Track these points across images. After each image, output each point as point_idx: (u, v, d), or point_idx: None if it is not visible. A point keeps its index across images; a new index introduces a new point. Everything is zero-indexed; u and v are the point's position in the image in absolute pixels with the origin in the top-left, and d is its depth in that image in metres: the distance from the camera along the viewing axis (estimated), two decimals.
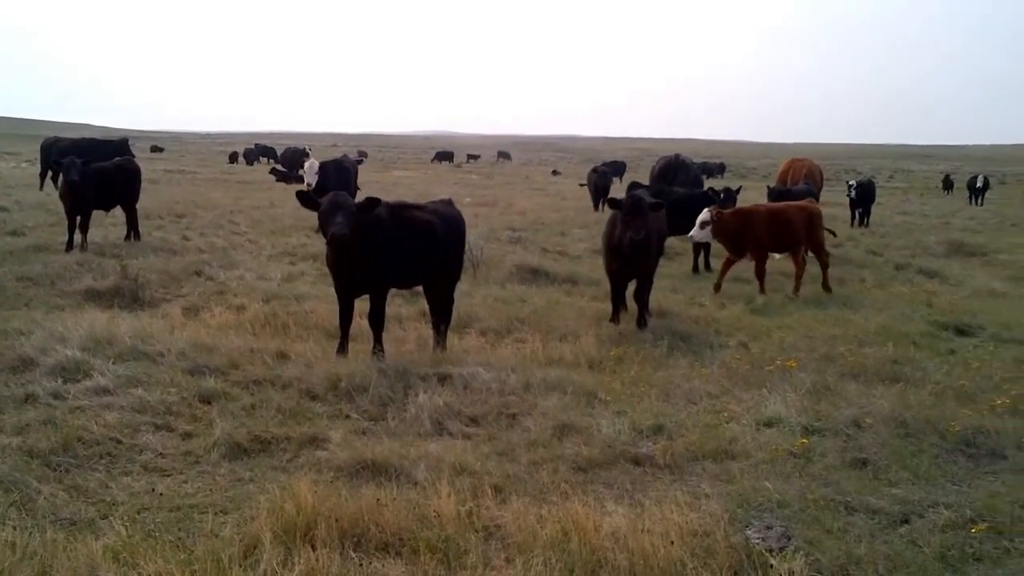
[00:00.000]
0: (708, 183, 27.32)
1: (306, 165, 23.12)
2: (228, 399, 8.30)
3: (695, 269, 18.54)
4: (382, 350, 9.82)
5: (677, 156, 27.81)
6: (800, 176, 26.31)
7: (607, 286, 13.15)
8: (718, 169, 70.66)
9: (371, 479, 6.56)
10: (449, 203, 11.29)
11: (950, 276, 19.12)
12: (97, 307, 11.83)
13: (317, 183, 21.71)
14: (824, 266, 16.56)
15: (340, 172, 23.15)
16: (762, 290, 15.67)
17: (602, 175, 32.77)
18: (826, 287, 16.35)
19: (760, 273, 15.89)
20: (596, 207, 30.18)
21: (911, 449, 7.59)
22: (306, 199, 9.87)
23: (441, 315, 10.73)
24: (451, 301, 10.93)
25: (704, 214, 15.25)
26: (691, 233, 15.44)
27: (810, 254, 16.71)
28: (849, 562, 5.46)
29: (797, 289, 15.96)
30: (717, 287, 15.82)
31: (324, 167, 23.15)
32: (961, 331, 13.11)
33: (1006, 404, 8.93)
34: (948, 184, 60.32)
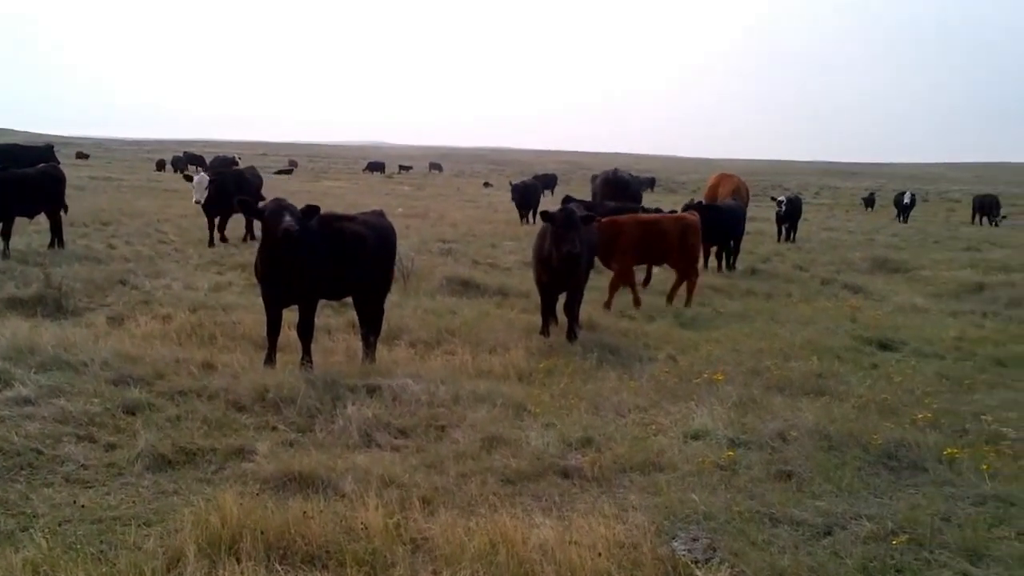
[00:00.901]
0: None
1: (195, 180, 21.12)
2: (153, 410, 8.19)
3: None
4: (310, 361, 9.75)
5: (616, 171, 28.03)
6: (728, 191, 26.60)
7: (537, 298, 13.19)
8: (649, 183, 71.16)
9: (298, 491, 6.51)
10: (380, 214, 11.26)
11: (874, 291, 19.41)
12: (19, 316, 11.63)
13: (213, 196, 20.48)
14: (692, 281, 16.34)
15: (240, 185, 21.43)
16: (608, 304, 15.24)
17: (520, 188, 32.34)
18: (670, 299, 16.18)
19: (615, 286, 15.58)
20: (523, 220, 30.17)
21: (835, 462, 7.70)
22: (248, 207, 9.75)
23: (371, 326, 10.68)
24: (381, 312, 10.88)
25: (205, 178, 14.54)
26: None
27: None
28: (773, 574, 5.53)
29: (672, 299, 16.10)
30: (636, 302, 15.65)
31: (221, 180, 21.51)
32: (884, 346, 13.34)
33: (927, 418, 9.09)
34: (869, 201, 61.49)
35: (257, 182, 23.30)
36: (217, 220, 21.26)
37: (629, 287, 15.87)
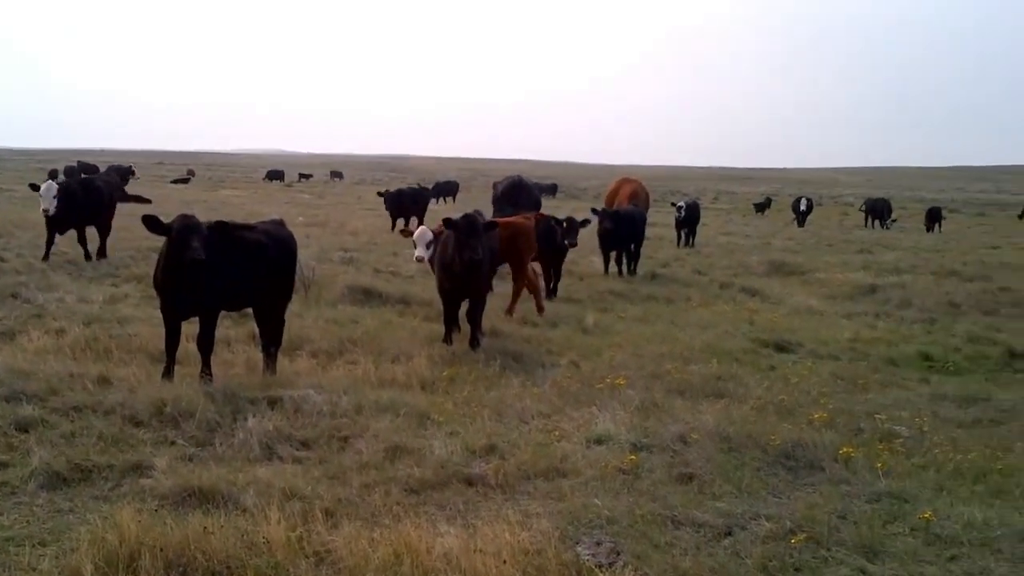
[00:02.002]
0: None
1: (42, 188, 18.80)
2: (46, 426, 7.96)
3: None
4: (210, 374, 9.59)
5: (520, 178, 28.08)
6: (626, 197, 26.81)
7: (440, 306, 13.16)
8: (551, 190, 71.57)
9: (198, 506, 6.40)
10: (280, 223, 11.14)
11: (771, 295, 19.74)
12: None
13: (59, 208, 18.26)
14: (517, 292, 15.34)
15: (89, 194, 19.45)
16: (511, 310, 15.06)
17: (394, 197, 31.62)
18: (509, 311, 15.20)
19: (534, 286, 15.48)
20: (393, 227, 29.31)
21: (734, 463, 7.82)
22: (154, 224, 9.47)
23: (271, 337, 10.55)
24: (282, 322, 10.76)
25: (428, 233, 13.97)
26: (418, 253, 13.96)
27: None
28: (676, 575, 5.59)
29: (511, 310, 15.25)
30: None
31: (69, 188, 19.28)
32: (781, 348, 13.61)
33: (823, 418, 9.30)
34: (760, 207, 62.77)
35: (110, 190, 20.92)
36: (75, 233, 19.22)
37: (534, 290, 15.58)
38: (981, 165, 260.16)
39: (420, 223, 26.79)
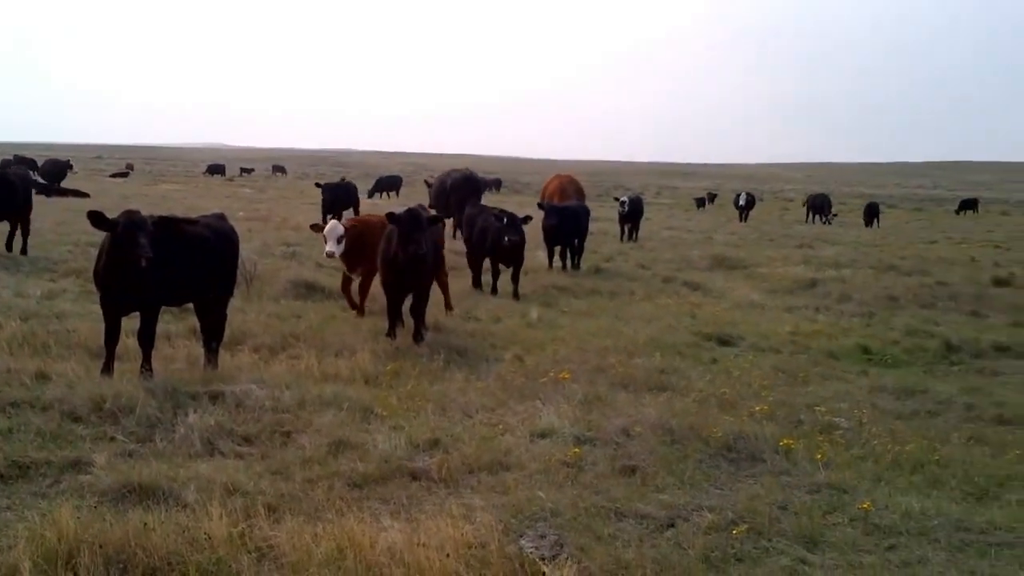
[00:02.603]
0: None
1: None
2: None
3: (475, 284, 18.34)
4: (150, 369, 9.48)
5: (469, 171, 28.09)
6: (554, 192, 26.85)
7: (383, 301, 13.10)
8: (495, 184, 71.50)
9: (138, 503, 6.31)
10: (221, 217, 11.04)
11: (713, 289, 19.89)
12: None
13: None
14: (444, 286, 15.00)
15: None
16: (361, 308, 14.31)
17: (331, 189, 31.08)
18: (448, 306, 14.90)
19: (365, 288, 14.49)
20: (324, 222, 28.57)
21: (677, 455, 7.88)
22: (99, 220, 9.33)
23: (213, 332, 10.45)
24: (223, 317, 10.66)
25: (339, 228, 13.80)
26: (329, 248, 13.71)
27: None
28: (619, 567, 5.62)
29: (448, 304, 14.95)
30: (354, 305, 14.45)
31: None
32: (723, 341, 13.74)
33: (764, 410, 9.40)
34: (701, 202, 63.37)
35: (24, 184, 19.43)
36: None
37: (358, 294, 14.54)
38: (918, 161, 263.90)
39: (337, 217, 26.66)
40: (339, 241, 13.56)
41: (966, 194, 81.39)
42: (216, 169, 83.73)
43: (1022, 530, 6.59)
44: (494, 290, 17.24)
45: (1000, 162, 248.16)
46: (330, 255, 13.86)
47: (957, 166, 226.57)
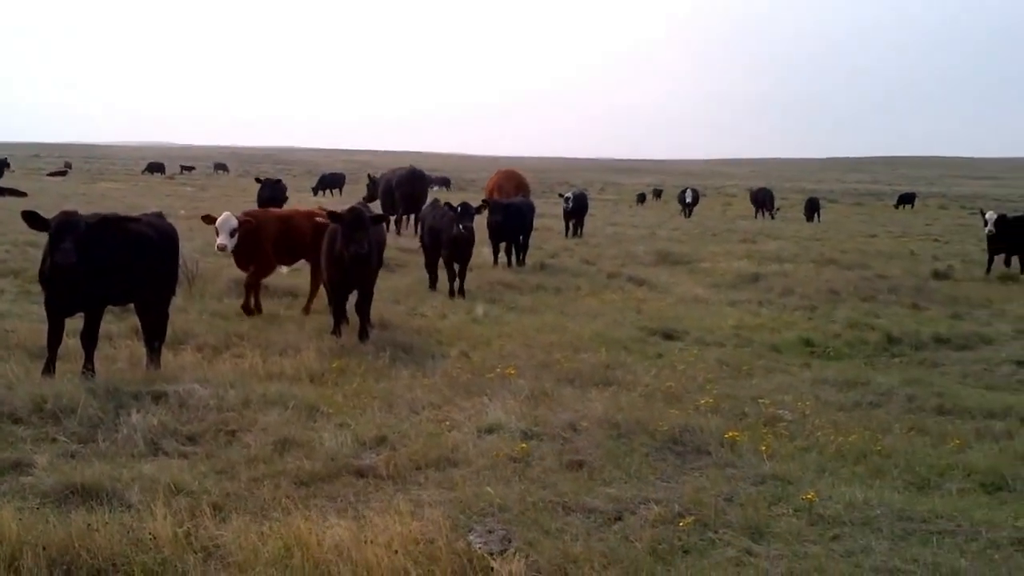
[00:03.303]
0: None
1: None
2: None
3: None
4: (92, 369, 9.37)
5: (413, 168, 28.01)
6: (499, 186, 26.86)
7: (328, 298, 13.04)
8: (443, 183, 71.39)
9: (81, 504, 6.24)
10: (159, 215, 10.92)
11: (658, 284, 19.94)
12: None
13: None
14: (315, 288, 14.56)
15: None
16: (250, 307, 13.75)
17: (266, 185, 30.61)
18: (306, 310, 14.39)
19: (255, 286, 14.03)
20: None
21: (623, 449, 7.93)
22: (34, 220, 9.18)
23: (155, 331, 10.32)
24: (165, 316, 10.54)
25: (231, 220, 13.18)
26: (220, 241, 13.16)
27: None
28: (567, 561, 5.64)
29: (308, 308, 14.38)
30: (249, 308, 13.75)
31: None
32: (668, 336, 13.80)
33: (709, 403, 9.48)
34: (641, 197, 63.82)
35: None
36: None
37: (248, 289, 13.98)
38: (857, 156, 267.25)
39: None
40: (232, 235, 13.07)
41: (905, 189, 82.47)
42: (155, 167, 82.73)
43: (963, 519, 6.69)
44: (452, 292, 16.82)
45: (938, 156, 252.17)
46: (221, 248, 13.31)
47: (896, 161, 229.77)
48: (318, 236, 13.82)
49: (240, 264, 13.98)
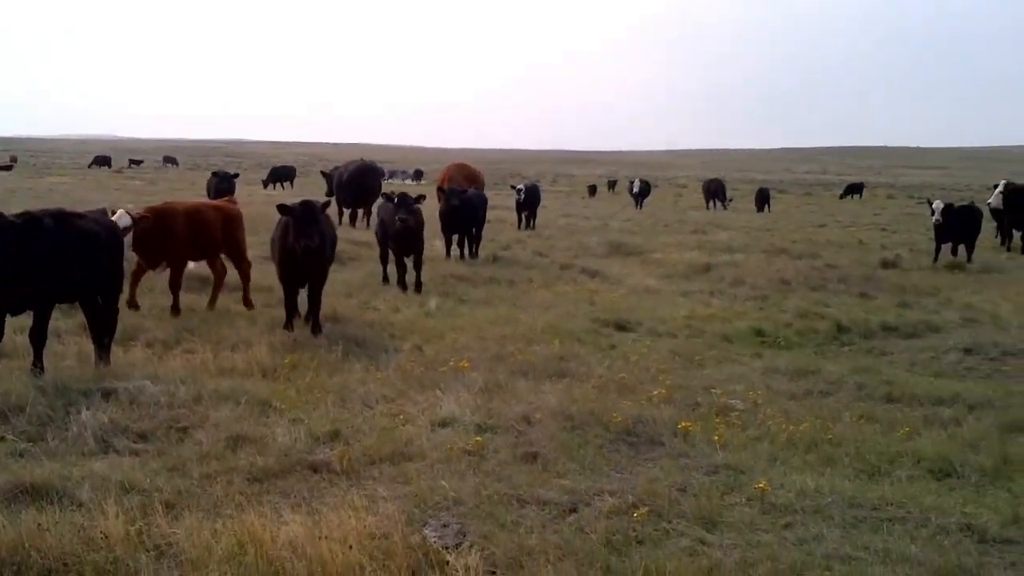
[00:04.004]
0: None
1: None
2: None
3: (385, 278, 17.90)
4: (41, 367, 9.24)
5: (364, 161, 27.94)
6: (450, 178, 26.84)
7: (280, 292, 12.95)
8: (416, 175, 71.32)
9: (31, 503, 6.17)
10: (103, 212, 10.78)
11: (610, 275, 20.00)
12: None
13: None
14: (245, 278, 14.19)
15: None
16: (176, 308, 13.20)
17: (223, 179, 30.17)
18: (247, 303, 14.04)
19: (176, 284, 13.36)
20: None
21: (577, 441, 7.96)
22: None
23: (104, 328, 10.19)
24: (115, 312, 10.42)
25: (125, 217, 12.15)
26: None
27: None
28: (522, 553, 5.66)
29: (213, 303, 13.87)
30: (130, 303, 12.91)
31: None
32: (621, 327, 13.84)
33: (662, 394, 9.53)
34: (592, 189, 64.03)
35: None
36: None
37: (172, 288, 13.38)
38: (806, 147, 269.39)
39: None
40: (124, 232, 11.83)
41: (854, 179, 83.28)
42: (102, 161, 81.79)
43: (912, 505, 6.78)
44: (401, 283, 16.69)
45: (886, 147, 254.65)
46: None
47: (845, 151, 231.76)
48: (230, 228, 13.81)
49: (147, 262, 13.28)
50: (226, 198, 15.80)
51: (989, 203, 26.89)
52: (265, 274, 15.58)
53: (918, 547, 6.00)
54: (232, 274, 14.42)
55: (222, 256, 14.30)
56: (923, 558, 5.83)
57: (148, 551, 5.52)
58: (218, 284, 14.23)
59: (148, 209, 13.14)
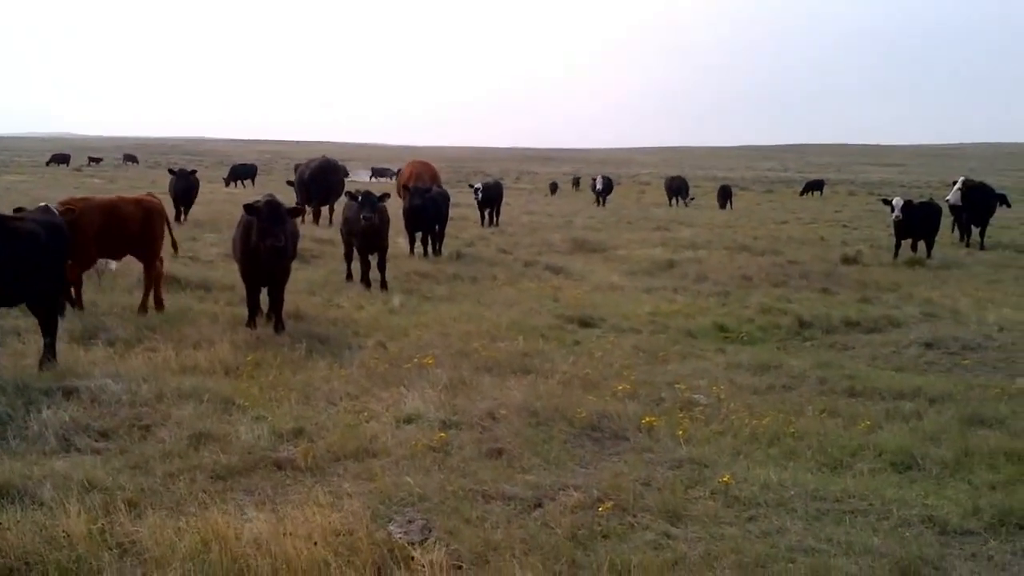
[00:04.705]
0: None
1: None
2: None
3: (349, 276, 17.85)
4: None
5: (326, 158, 27.82)
6: (410, 176, 26.82)
7: (243, 291, 12.88)
8: (394, 174, 71.28)
9: None
10: (47, 210, 10.61)
11: (574, 272, 20.07)
12: None
13: None
14: (154, 279, 13.41)
15: None
16: (79, 304, 12.77)
17: (180, 177, 29.70)
18: (143, 309, 13.09)
19: (77, 282, 12.90)
20: (177, 216, 27.23)
21: (542, 436, 7.98)
22: None
23: (47, 327, 9.92)
24: (55, 311, 10.12)
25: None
26: None
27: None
28: (487, 549, 5.67)
29: (144, 306, 13.15)
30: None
31: None
32: (585, 323, 13.88)
33: (626, 389, 9.57)
34: (554, 187, 64.23)
35: None
36: None
37: (75, 286, 12.94)
38: (768, 144, 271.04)
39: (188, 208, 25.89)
40: None
41: (814, 176, 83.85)
42: (60, 159, 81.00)
43: (874, 498, 6.84)
44: (364, 280, 16.65)
45: (847, 144, 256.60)
46: None
47: (805, 149, 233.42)
48: (148, 225, 13.40)
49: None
50: (147, 193, 14.94)
51: (948, 200, 27.11)
52: (226, 272, 15.53)
53: (880, 539, 6.07)
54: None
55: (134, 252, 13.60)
56: (885, 550, 5.89)
57: (111, 549, 5.48)
58: (149, 285, 13.42)
59: (63, 203, 12.40)
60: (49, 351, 9.85)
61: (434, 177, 26.84)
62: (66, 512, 5.72)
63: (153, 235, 13.59)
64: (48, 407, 7.97)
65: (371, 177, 67.77)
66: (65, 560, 5.24)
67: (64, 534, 5.50)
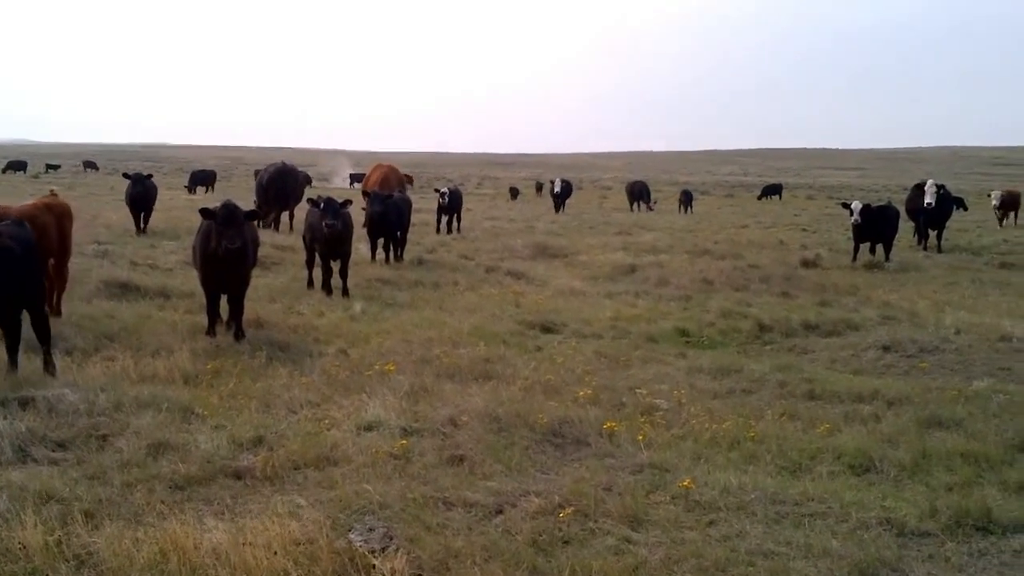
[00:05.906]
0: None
1: None
2: None
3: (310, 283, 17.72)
4: None
5: (285, 164, 27.68)
6: (377, 181, 26.72)
7: (202, 298, 12.79)
8: (358, 179, 71.03)
9: None
10: (19, 223, 10.47)
11: (535, 277, 20.09)
12: None
13: None
14: (62, 286, 13.15)
15: None
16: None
17: (136, 181, 29.18)
18: (57, 309, 12.71)
19: None
20: (136, 226, 26.93)
21: (504, 443, 7.97)
22: None
23: (40, 335, 9.87)
24: (43, 318, 10.07)
25: None
26: None
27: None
28: (449, 556, 5.66)
29: (58, 308, 12.78)
30: None
31: None
32: (547, 329, 13.92)
33: (588, 395, 9.58)
34: (514, 192, 64.25)
35: None
36: None
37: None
38: (728, 149, 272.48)
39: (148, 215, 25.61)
40: None
41: (774, 180, 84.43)
42: (16, 166, 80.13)
43: (833, 500, 6.89)
44: (326, 287, 16.55)
45: (806, 148, 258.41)
46: None
47: (765, 153, 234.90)
48: (62, 227, 13.09)
49: None
50: (51, 191, 14.53)
51: (927, 202, 27.15)
52: (185, 279, 15.42)
53: (839, 541, 6.11)
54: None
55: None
56: (844, 552, 5.93)
57: (68, 561, 5.43)
58: (60, 288, 13.16)
59: None
60: (51, 358, 9.85)
61: (401, 181, 26.77)
62: (22, 524, 5.66)
63: (66, 236, 13.34)
64: (4, 417, 7.86)
65: (351, 184, 67.55)
66: (21, 572, 5.21)
67: (20, 546, 5.45)
